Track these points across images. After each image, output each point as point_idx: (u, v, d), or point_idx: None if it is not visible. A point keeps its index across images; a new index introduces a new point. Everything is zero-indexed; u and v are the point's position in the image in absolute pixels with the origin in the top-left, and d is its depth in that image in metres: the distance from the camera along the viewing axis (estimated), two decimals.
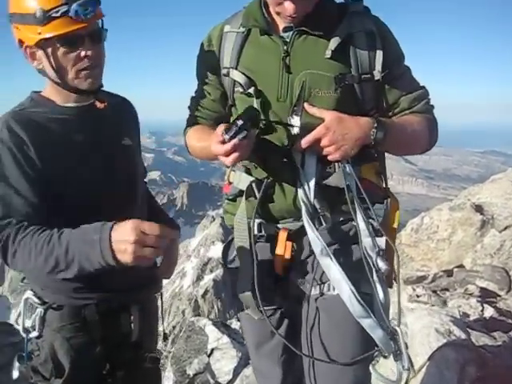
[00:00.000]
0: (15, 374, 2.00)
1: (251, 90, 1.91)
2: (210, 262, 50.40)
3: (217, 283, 47.36)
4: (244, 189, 1.97)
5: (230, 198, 2.11)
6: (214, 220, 57.85)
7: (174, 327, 44.30)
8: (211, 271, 49.37)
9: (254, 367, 2.46)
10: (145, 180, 2.41)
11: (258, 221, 1.98)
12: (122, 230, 1.56)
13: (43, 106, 1.95)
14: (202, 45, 2.09)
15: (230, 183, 2.09)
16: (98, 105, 1.98)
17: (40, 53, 1.85)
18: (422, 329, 3.74)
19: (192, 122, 2.23)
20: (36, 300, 1.99)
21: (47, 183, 1.84)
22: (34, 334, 1.99)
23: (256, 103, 1.89)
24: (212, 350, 5.42)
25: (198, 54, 2.12)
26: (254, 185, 1.95)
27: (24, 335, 2.01)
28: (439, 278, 5.91)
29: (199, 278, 49.19)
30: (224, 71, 2.00)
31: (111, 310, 2.04)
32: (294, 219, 1.97)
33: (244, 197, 1.97)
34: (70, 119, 1.96)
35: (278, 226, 2.00)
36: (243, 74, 1.93)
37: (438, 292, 5.41)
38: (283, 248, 1.95)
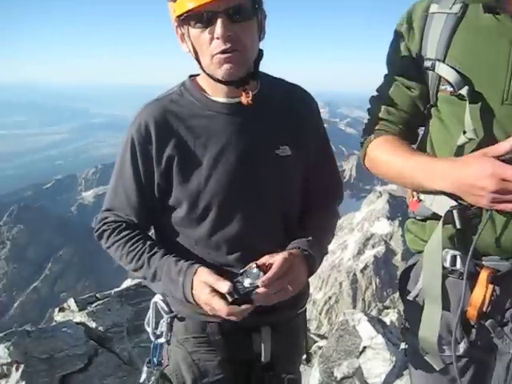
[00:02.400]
0: (143, 377, 1.98)
1: (464, 91, 1.49)
2: (373, 238, 49.76)
3: (377, 260, 46.75)
4: (441, 214, 1.58)
5: (418, 218, 1.75)
6: (380, 195, 56.79)
7: (329, 297, 44.77)
8: (373, 247, 48.77)
9: None
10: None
11: (452, 252, 1.63)
12: (200, 291, 1.59)
13: (191, 95, 1.74)
14: (398, 26, 1.68)
15: (420, 200, 1.70)
16: (243, 99, 1.64)
17: (182, 34, 1.64)
18: None
19: (375, 127, 1.78)
20: (164, 306, 1.92)
21: (165, 191, 1.75)
22: (162, 340, 1.93)
23: (469, 109, 1.48)
24: (364, 347, 5.14)
25: (393, 38, 1.72)
26: (455, 212, 1.55)
27: (153, 339, 1.97)
28: None
29: (360, 252, 48.91)
30: (427, 63, 1.59)
31: (237, 330, 1.81)
32: (502, 258, 1.57)
33: (441, 224, 1.57)
34: (215, 118, 1.71)
35: (480, 262, 1.60)
36: (453, 68, 1.52)
37: None
38: (483, 291, 1.58)
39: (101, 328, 5.01)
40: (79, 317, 5.09)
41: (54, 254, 79.99)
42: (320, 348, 5.50)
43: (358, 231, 52.08)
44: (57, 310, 5.42)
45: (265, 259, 1.57)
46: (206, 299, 1.56)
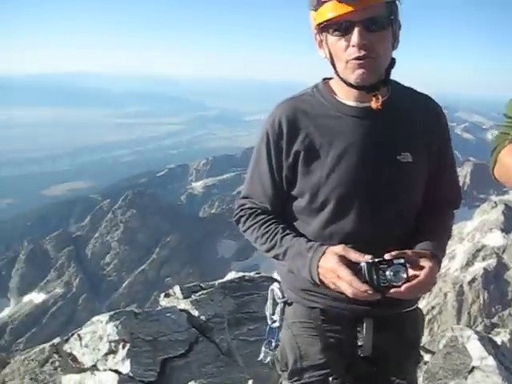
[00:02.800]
0: (261, 356, 2.19)
1: None
2: (484, 250, 47.18)
3: (487, 273, 44.29)
4: None
5: None
6: (496, 206, 53.77)
7: (432, 307, 43.16)
8: (483, 259, 46.26)
9: None
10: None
11: None
12: (328, 261, 1.69)
13: (322, 96, 1.87)
14: None
15: None
16: (372, 104, 1.74)
17: (320, 40, 1.77)
18: None
19: None
20: (279, 293, 2.09)
21: (290, 182, 1.89)
22: (276, 324, 2.10)
23: None
24: (473, 368, 4.78)
25: None
26: None
27: (269, 322, 2.14)
28: None
29: (469, 263, 46.59)
30: None
31: (340, 319, 1.91)
32: None
33: None
34: (343, 119, 1.82)
35: None
36: None
37: None
38: None
39: (203, 317, 5.16)
40: (183, 304, 5.27)
41: (162, 239, 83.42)
42: (425, 363, 5.23)
43: (469, 241, 49.63)
44: (162, 295, 5.63)
45: (412, 254, 1.67)
46: (333, 266, 1.66)
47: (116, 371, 4.30)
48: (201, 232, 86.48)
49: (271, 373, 5.05)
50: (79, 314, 74.39)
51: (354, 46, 1.63)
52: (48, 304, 76.18)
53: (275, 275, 2.43)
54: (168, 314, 4.94)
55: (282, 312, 2.07)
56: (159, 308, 5.26)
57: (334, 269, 1.64)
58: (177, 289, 5.51)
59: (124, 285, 78.68)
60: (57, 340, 5.17)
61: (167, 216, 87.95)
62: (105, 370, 4.36)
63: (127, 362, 4.34)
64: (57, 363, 4.86)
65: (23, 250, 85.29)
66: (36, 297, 78.66)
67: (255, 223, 1.96)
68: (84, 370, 4.46)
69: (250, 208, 2.00)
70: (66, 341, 4.87)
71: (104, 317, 4.67)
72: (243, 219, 2.01)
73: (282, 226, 1.92)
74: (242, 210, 2.03)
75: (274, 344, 2.12)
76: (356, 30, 1.61)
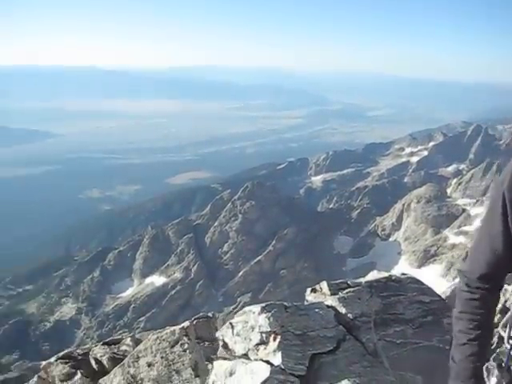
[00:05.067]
0: (493, 381, 2.02)
1: None
2: None
3: None
4: None
5: None
6: None
7: None
8: None
9: None
10: None
11: None
12: None
13: None
14: None
15: None
16: None
17: None
18: None
19: None
20: None
21: None
22: None
23: None
24: None
25: None
26: None
27: (508, 346, 2.07)
28: None
29: None
30: None
31: None
32: None
33: None
34: None
35: None
36: None
37: None
38: None
39: (350, 315, 5.09)
40: (330, 300, 5.23)
41: (279, 232, 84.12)
42: None
43: None
44: (309, 290, 5.64)
45: None
46: None
47: (267, 362, 4.35)
48: (317, 226, 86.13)
49: (415, 379, 4.88)
50: (196, 299, 77.35)
51: None
52: (167, 287, 79.85)
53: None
54: (316, 310, 4.94)
55: None
56: (307, 303, 5.27)
57: None
58: (324, 285, 5.50)
59: (240, 274, 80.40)
60: (186, 323, 5.37)
61: (285, 209, 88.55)
62: (256, 360, 4.43)
63: (278, 354, 4.38)
64: (186, 345, 5.06)
65: (147, 235, 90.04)
66: (157, 280, 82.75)
67: (464, 313, 2.07)
68: (235, 358, 4.56)
69: (467, 285, 2.09)
70: (195, 324, 4.99)
71: (256, 308, 4.75)
72: (459, 297, 2.12)
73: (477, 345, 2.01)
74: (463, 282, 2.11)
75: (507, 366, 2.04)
76: None
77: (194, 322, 5.64)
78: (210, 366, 5.07)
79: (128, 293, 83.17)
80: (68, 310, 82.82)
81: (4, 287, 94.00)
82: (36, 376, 6.70)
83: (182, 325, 5.43)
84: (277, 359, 4.33)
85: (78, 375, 6.25)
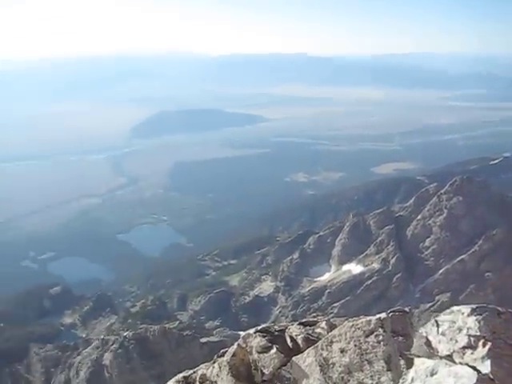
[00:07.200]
0: None
1: None
2: None
3: None
4: None
5: None
6: None
7: None
8: None
9: None
10: None
11: None
12: None
13: None
14: None
15: None
16: None
17: None
18: None
19: None
20: None
21: None
22: None
23: None
24: None
25: None
26: None
27: None
28: None
29: None
30: None
31: None
32: None
33: None
34: None
35: None
36: None
37: None
38: None
39: None
40: None
41: (487, 231, 78.55)
42: None
43: None
44: None
45: None
46: None
47: (474, 368, 4.08)
48: None
49: None
50: (392, 292, 75.95)
51: None
52: (364, 277, 79.64)
53: None
54: None
55: None
56: None
57: None
58: None
59: (440, 271, 76.95)
60: (383, 315, 5.22)
61: (496, 207, 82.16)
62: (461, 364, 4.17)
63: (487, 362, 4.06)
64: (380, 337, 4.91)
65: (348, 222, 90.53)
66: (354, 268, 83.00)
67: None
68: (438, 358, 4.35)
69: None
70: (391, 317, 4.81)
71: (465, 308, 4.47)
72: None
73: None
74: None
75: None
76: None
77: (390, 315, 5.50)
78: (401, 362, 4.91)
79: (325, 277, 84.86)
80: (267, 287, 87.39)
81: (212, 259, 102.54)
82: (236, 343, 7.13)
83: (379, 316, 5.33)
84: (485, 367, 4.03)
85: (274, 350, 6.50)
